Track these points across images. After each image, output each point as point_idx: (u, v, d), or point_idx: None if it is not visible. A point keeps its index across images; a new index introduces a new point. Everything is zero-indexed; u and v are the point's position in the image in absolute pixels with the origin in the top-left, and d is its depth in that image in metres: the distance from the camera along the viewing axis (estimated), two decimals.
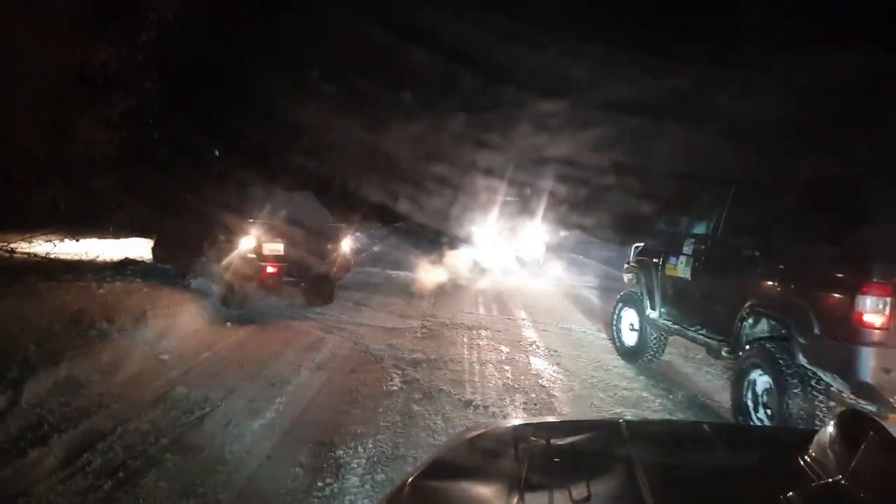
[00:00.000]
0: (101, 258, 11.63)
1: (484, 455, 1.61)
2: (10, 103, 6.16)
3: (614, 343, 7.47)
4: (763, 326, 5.03)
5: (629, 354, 7.13)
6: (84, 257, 9.75)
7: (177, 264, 9.87)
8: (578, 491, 1.25)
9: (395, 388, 5.80)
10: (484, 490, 1.35)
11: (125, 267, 9.87)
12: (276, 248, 8.54)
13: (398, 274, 14.20)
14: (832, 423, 1.32)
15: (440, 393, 5.67)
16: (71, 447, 4.11)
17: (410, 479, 1.41)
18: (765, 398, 4.75)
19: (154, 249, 10.72)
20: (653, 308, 6.72)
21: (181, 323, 7.51)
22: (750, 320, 5.07)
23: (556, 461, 1.51)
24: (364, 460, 4.19)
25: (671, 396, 6.01)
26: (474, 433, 1.79)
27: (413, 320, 8.95)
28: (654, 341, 6.84)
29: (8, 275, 7.80)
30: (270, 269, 8.45)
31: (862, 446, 1.11)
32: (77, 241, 13.28)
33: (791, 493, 1.07)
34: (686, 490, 1.34)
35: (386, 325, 8.51)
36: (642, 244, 7.47)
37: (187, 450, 4.20)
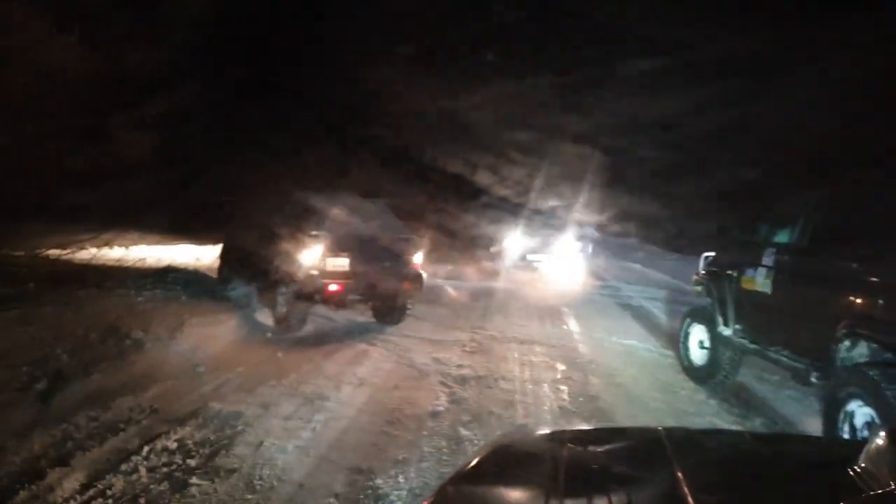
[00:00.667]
0: (144, 263, 11.62)
1: (521, 461, 1.58)
2: (46, 106, 5.98)
3: (681, 362, 6.84)
4: (863, 350, 4.38)
5: (698, 375, 6.51)
6: (128, 263, 9.65)
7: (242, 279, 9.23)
8: (619, 498, 1.24)
9: (441, 408, 5.35)
10: (521, 497, 1.34)
11: (166, 274, 9.72)
12: (342, 263, 7.65)
13: (445, 281, 13.79)
14: (883, 434, 1.28)
15: (490, 415, 5.18)
16: (94, 467, 3.79)
17: (445, 485, 1.37)
18: (865, 432, 4.10)
19: (221, 269, 10.13)
20: (726, 324, 6.09)
21: (219, 333, 7.25)
22: (847, 342, 4.42)
23: (594, 468, 1.49)
24: (405, 492, 3.74)
25: (748, 424, 5.39)
26: (511, 439, 1.77)
27: (461, 332, 8.50)
28: (727, 361, 6.21)
29: (49, 282, 7.68)
30: (334, 287, 7.54)
31: None
32: (127, 248, 13.42)
33: None
34: (730, 500, 1.29)
35: (432, 338, 8.08)
36: (713, 254, 6.83)
37: (215, 473, 3.84)
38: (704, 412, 5.64)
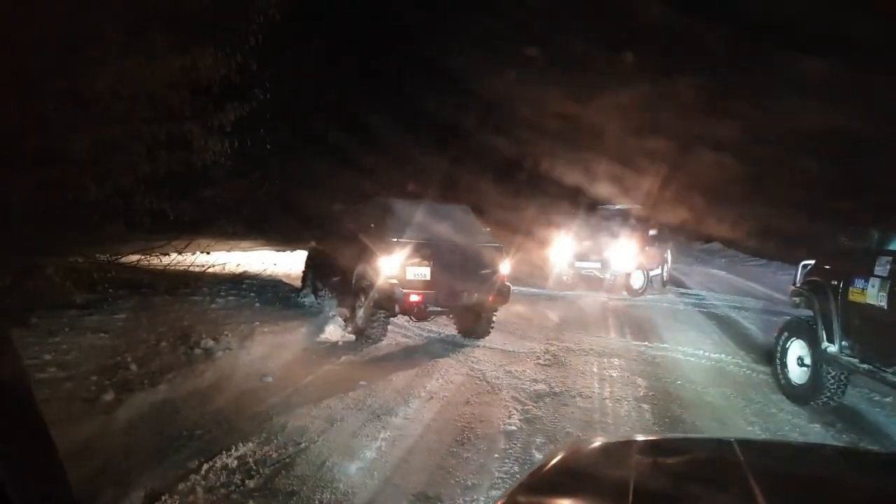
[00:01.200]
0: (223, 269, 11.80)
1: (590, 471, 1.55)
2: (123, 114, 6.05)
3: (778, 380, 6.23)
4: None
5: (798, 395, 5.90)
6: (206, 268, 9.76)
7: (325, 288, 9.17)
8: None
9: (514, 427, 5.01)
10: None
11: (241, 281, 9.79)
12: (423, 272, 7.33)
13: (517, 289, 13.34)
14: None
15: (566, 437, 4.80)
16: (151, 486, 3.68)
17: (511, 493, 1.37)
18: None
19: (304, 275, 9.97)
20: (831, 341, 5.48)
21: (290, 342, 7.16)
22: None
23: (665, 480, 1.46)
24: None
25: None
26: (579, 447, 1.73)
27: (535, 343, 8.11)
28: (832, 381, 5.59)
29: (126, 288, 7.83)
30: (414, 298, 7.23)
31: None
32: (208, 253, 13.73)
33: None
34: None
35: (505, 348, 7.74)
36: (813, 262, 6.21)
37: (273, 496, 3.67)
38: (808, 437, 5.07)
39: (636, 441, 1.77)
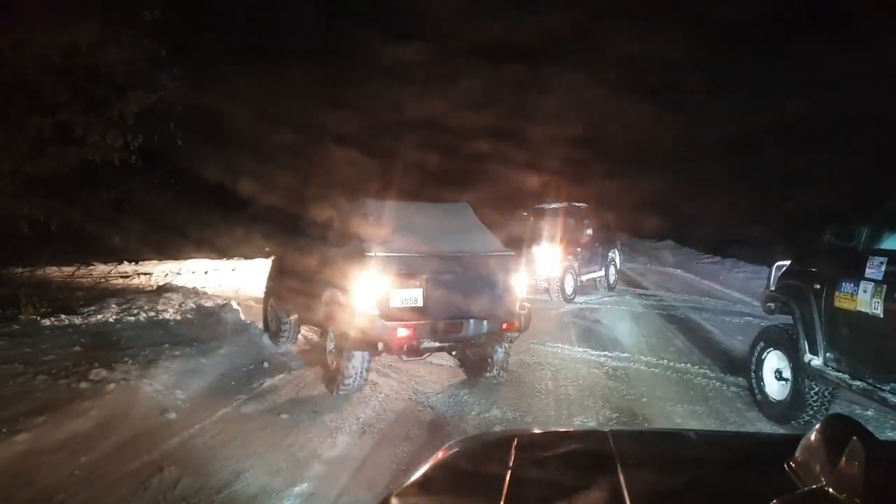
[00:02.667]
0: (148, 282, 10.72)
1: (466, 468, 1.56)
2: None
3: (753, 395, 5.60)
4: None
5: (776, 413, 5.28)
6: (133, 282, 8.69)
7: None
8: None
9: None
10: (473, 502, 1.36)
11: (160, 294, 8.74)
12: (413, 295, 5.53)
13: None
14: (817, 427, 1.30)
15: None
16: None
17: (390, 496, 1.34)
18: None
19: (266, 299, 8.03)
20: (815, 353, 4.85)
21: (205, 367, 6.21)
22: None
23: (539, 472, 1.49)
24: None
25: None
26: (459, 446, 1.72)
27: None
28: (815, 397, 4.98)
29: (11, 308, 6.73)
30: (403, 332, 5.37)
31: (846, 452, 1.09)
32: (135, 263, 12.59)
33: (774, 501, 1.01)
34: (668, 500, 1.32)
35: (452, 364, 6.93)
36: (788, 263, 5.61)
37: None
38: None
39: (516, 435, 1.76)
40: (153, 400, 5.22)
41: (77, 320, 6.88)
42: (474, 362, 6.41)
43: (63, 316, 6.79)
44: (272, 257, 8.50)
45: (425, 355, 5.97)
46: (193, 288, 9.61)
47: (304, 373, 6.52)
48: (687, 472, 1.49)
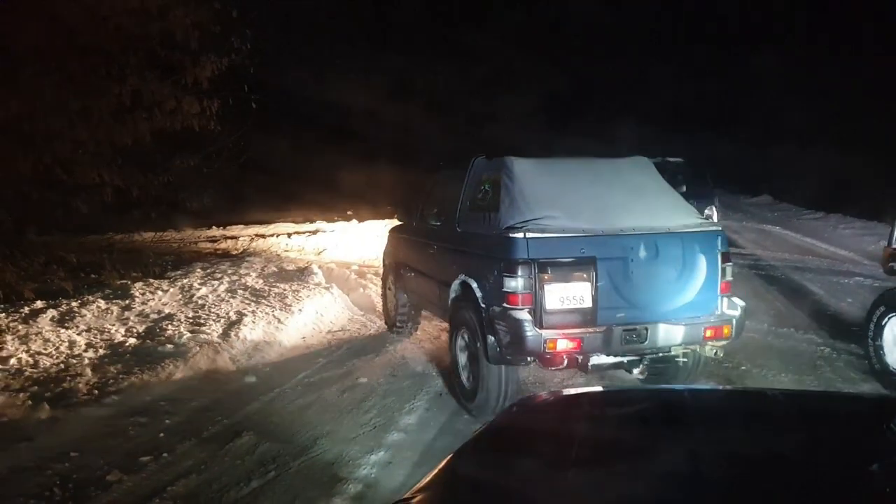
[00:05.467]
0: (237, 245, 10.98)
1: (539, 425, 1.51)
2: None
3: (871, 364, 5.07)
4: None
5: None
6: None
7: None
8: (632, 464, 1.21)
9: None
10: (534, 462, 1.29)
11: (243, 259, 8.89)
12: (577, 292, 3.95)
13: None
14: None
15: None
16: None
17: (459, 449, 1.34)
18: None
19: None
20: None
21: (287, 330, 6.24)
22: None
23: (612, 431, 1.43)
24: None
25: None
26: (526, 403, 1.69)
27: None
28: None
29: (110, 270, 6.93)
30: (564, 344, 3.85)
31: None
32: (223, 228, 12.97)
33: (876, 465, 0.96)
34: (754, 467, 1.17)
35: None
36: None
37: None
38: None
39: (588, 394, 1.71)
40: (236, 363, 5.28)
41: (164, 284, 7.07)
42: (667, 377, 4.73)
43: (151, 280, 6.98)
44: (390, 227, 7.05)
45: (593, 372, 4.29)
46: (276, 252, 9.74)
47: (385, 334, 6.44)
48: (774, 434, 1.39)
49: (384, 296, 6.70)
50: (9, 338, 5.05)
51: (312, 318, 6.82)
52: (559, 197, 4.31)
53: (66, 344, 5.07)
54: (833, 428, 1.40)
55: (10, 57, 4.95)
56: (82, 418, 3.95)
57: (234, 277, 7.79)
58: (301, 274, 8.38)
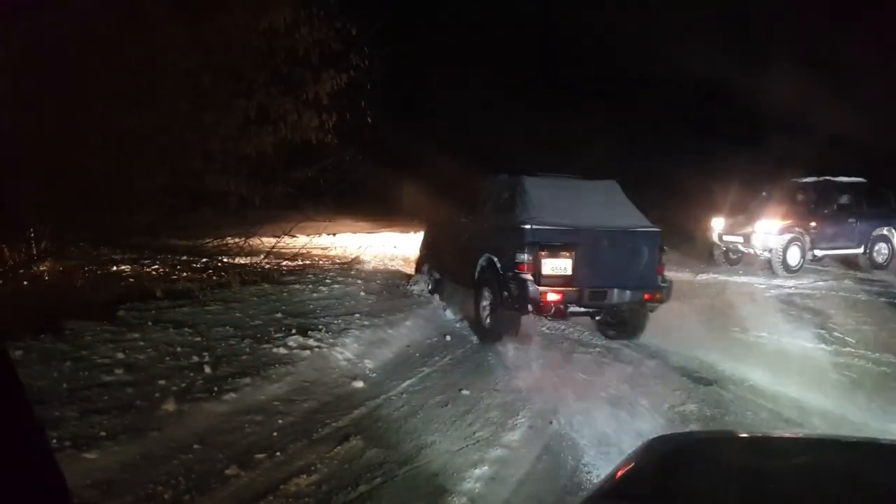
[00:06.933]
0: (346, 253, 11.34)
1: (683, 468, 1.36)
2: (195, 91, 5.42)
3: None
4: None
5: None
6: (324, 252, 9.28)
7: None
8: None
9: None
10: None
11: (351, 268, 9.20)
12: (561, 265, 6.10)
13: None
14: None
15: None
16: None
17: (594, 495, 1.29)
18: None
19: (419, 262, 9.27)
20: None
21: (392, 338, 6.39)
22: None
23: (771, 483, 1.28)
24: None
25: None
26: (669, 441, 1.51)
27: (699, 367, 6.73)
28: None
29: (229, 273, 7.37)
30: (552, 297, 5.97)
31: None
32: (333, 235, 13.45)
33: None
34: None
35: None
36: None
37: None
38: None
39: (738, 437, 1.63)
40: (343, 368, 5.43)
41: (279, 289, 7.42)
42: (613, 326, 7.02)
43: (266, 285, 7.34)
44: (425, 229, 9.42)
45: (570, 318, 6.82)
46: (382, 260, 9.99)
47: (485, 348, 6.45)
48: None
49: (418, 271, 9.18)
50: (137, 334, 5.44)
51: (416, 326, 6.93)
52: (553, 203, 6.51)
53: (189, 342, 5.40)
54: None
55: (150, 75, 5.35)
56: (204, 413, 4.18)
57: (343, 284, 8.05)
58: (407, 282, 8.56)
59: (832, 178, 12.78)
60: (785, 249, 11.57)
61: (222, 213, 6.55)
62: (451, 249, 7.86)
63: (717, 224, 12.96)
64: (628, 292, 6.20)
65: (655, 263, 6.50)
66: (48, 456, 1.01)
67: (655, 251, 6.51)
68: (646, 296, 6.32)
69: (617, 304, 6.31)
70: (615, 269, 6.30)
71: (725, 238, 12.81)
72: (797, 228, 11.76)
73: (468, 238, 7.33)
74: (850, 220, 12.32)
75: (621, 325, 6.89)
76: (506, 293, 6.20)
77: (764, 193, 13.16)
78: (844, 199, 12.48)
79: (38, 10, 3.97)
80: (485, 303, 6.74)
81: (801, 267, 11.72)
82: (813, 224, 11.97)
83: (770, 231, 11.66)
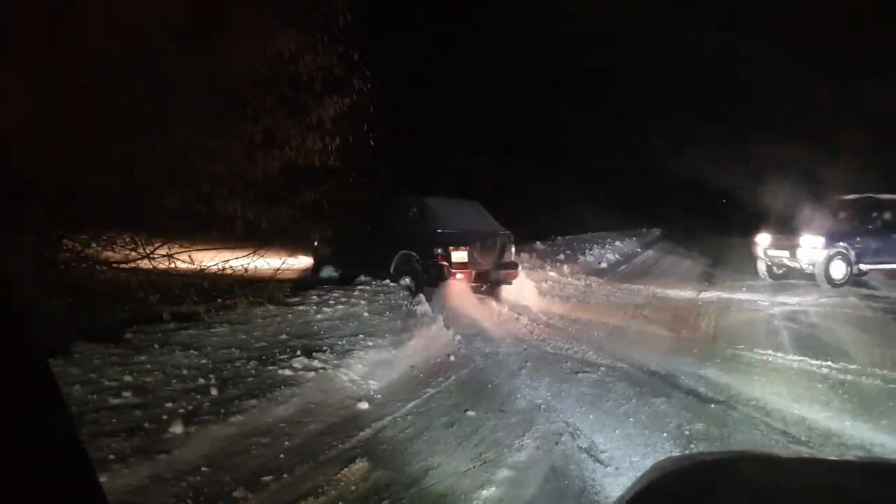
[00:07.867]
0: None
1: (693, 492, 1.26)
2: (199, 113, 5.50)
3: None
4: None
5: None
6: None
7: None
8: None
9: None
10: None
11: (354, 288, 9.24)
12: (463, 256, 9.50)
13: (667, 292, 12.01)
14: None
15: None
16: None
17: None
18: None
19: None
20: None
21: (396, 358, 6.40)
22: None
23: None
24: None
25: None
26: (676, 464, 1.38)
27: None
28: None
29: (223, 296, 7.40)
30: (459, 276, 9.47)
31: None
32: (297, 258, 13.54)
33: None
34: None
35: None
36: None
37: None
38: None
39: (755, 456, 1.53)
40: (349, 389, 5.44)
41: (283, 310, 7.45)
42: (493, 292, 10.53)
43: (271, 307, 7.37)
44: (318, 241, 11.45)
45: (468, 287, 9.76)
46: (385, 281, 10.02)
47: (490, 367, 6.46)
48: None
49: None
50: (144, 357, 5.47)
51: (420, 346, 6.95)
52: (448, 214, 10.18)
53: (195, 364, 5.43)
54: None
55: (158, 100, 5.43)
56: (212, 436, 4.19)
57: (347, 305, 8.08)
58: (410, 303, 8.58)
59: (874, 195, 13.13)
60: (828, 263, 11.92)
61: (229, 236, 6.59)
62: (361, 250, 11.08)
63: (763, 239, 13.35)
64: (500, 271, 10.17)
65: (511, 253, 10.69)
66: (91, 476, 1.03)
67: (510, 245, 10.61)
68: (508, 273, 10.37)
69: (493, 279, 10.09)
70: (490, 257, 10.05)
71: (770, 253, 13.20)
72: (842, 243, 12.14)
73: (382, 242, 10.58)
74: (894, 236, 12.65)
75: (491, 291, 10.47)
76: (426, 276, 9.70)
77: (808, 211, 13.54)
78: (887, 216, 12.83)
79: (51, 41, 4.05)
80: (405, 282, 9.98)
81: (847, 281, 12.03)
82: (858, 239, 12.32)
83: (815, 245, 12.07)
